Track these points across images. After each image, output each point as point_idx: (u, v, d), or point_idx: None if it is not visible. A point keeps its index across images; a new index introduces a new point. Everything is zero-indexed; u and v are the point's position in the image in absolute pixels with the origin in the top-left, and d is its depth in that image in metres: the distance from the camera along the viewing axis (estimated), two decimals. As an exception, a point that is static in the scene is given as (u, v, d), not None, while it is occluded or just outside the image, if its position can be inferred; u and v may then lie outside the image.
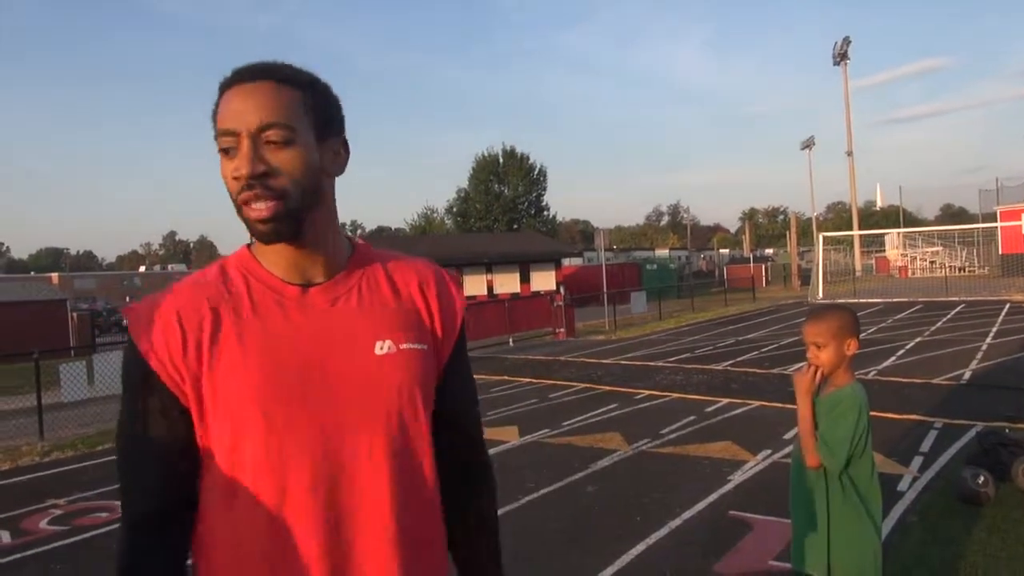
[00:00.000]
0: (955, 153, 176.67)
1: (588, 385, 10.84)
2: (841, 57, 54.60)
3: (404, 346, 1.20)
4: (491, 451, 7.01)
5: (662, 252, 69.40)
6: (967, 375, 9.97)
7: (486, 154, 52.40)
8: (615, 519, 5.06)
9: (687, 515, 5.03)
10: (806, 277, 35.86)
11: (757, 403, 8.70)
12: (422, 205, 75.00)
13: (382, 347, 1.18)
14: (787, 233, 54.02)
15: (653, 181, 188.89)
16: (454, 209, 54.34)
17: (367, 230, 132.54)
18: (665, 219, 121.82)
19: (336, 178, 1.24)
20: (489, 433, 7.85)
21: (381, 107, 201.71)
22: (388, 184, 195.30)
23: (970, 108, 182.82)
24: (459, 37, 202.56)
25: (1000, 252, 34.00)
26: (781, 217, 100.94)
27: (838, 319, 2.53)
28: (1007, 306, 20.01)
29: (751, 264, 49.04)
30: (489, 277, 34.07)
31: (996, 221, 33.51)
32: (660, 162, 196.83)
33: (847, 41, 54.21)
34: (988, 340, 13.33)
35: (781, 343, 14.70)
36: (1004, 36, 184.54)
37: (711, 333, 17.95)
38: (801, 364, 2.64)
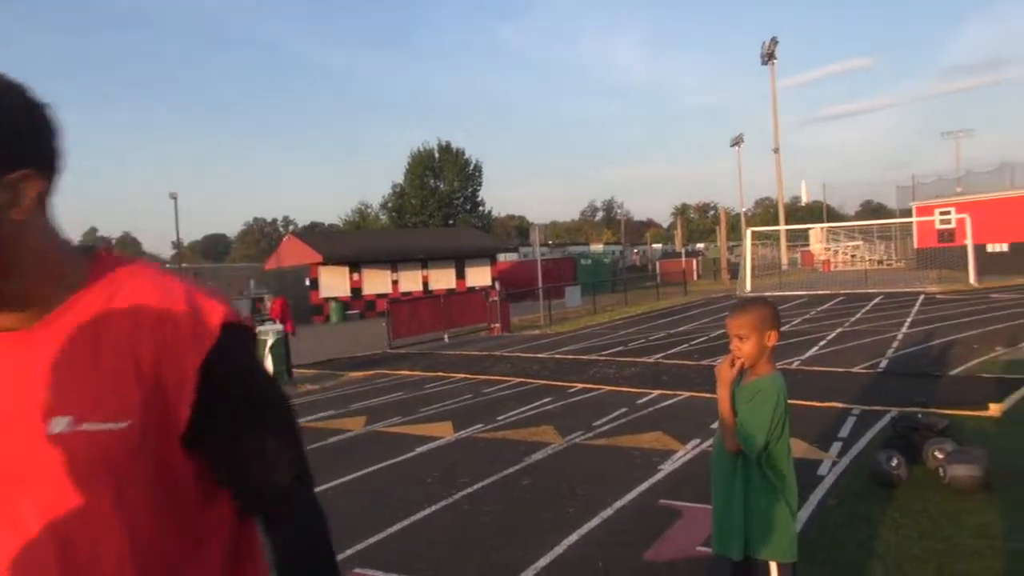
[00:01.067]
0: (876, 151, 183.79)
1: (523, 380, 10.90)
2: (769, 57, 56.19)
3: (88, 426, 0.94)
4: (425, 448, 7.05)
5: (597, 247, 70.26)
6: (884, 363, 10.41)
7: (421, 149, 52.18)
8: (549, 511, 5.11)
9: (619, 505, 5.11)
10: (735, 271, 36.84)
11: (687, 394, 8.90)
12: (356, 201, 74.10)
13: (57, 425, 0.94)
14: (717, 228, 55.38)
15: (588, 176, 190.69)
16: (389, 205, 53.94)
17: (299, 225, 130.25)
18: (600, 215, 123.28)
19: (35, 218, 0.98)
20: (423, 429, 7.85)
21: (315, 101, 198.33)
22: (322, 179, 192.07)
23: (890, 107, 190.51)
24: (395, 30, 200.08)
25: (915, 246, 35.59)
26: (712, 212, 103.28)
27: (759, 312, 2.62)
28: (921, 297, 20.98)
29: (683, 258, 50.07)
30: (424, 273, 33.95)
31: (912, 216, 35.07)
32: (595, 158, 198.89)
33: (774, 41, 55.82)
34: (903, 330, 13.95)
35: (711, 335, 15.07)
36: (925, 37, 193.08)
37: (644, 326, 18.27)
38: (723, 356, 2.73)
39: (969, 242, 26.21)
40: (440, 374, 12.16)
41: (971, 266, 25.33)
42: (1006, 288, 22.13)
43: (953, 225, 30.38)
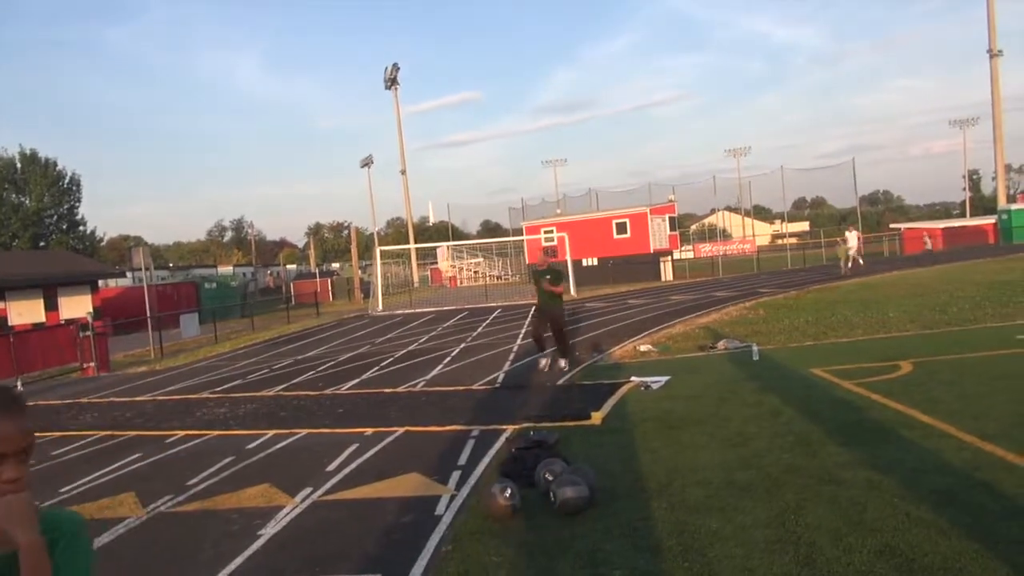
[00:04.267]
0: (490, 175, 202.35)
1: (109, 432, 9.02)
2: (392, 82, 58.12)
3: None
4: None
5: (226, 269, 65.80)
6: (501, 377, 10.72)
7: (-4, 157, 43.59)
8: (102, 622, 3.87)
9: (200, 596, 4.08)
10: (368, 290, 36.95)
11: (305, 431, 8.05)
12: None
13: None
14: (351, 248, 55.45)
15: (216, 195, 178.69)
16: (-49, 223, 44.04)
17: None
18: (229, 234, 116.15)
19: None
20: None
21: None
22: None
23: (499, 137, 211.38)
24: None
25: (527, 262, 39.26)
26: (345, 232, 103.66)
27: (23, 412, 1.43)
28: (533, 309, 22.84)
29: (317, 279, 49.04)
30: (1, 305, 28.02)
31: (523, 235, 38.62)
32: (223, 175, 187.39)
33: (396, 67, 57.94)
34: (518, 341, 14.77)
35: (339, 359, 14.40)
36: (526, 77, 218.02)
37: (270, 354, 16.94)
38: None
39: (568, 257, 29.53)
40: (-4, 436, 9.60)
41: (571, 279, 28.50)
42: (597, 297, 25.23)
43: (555, 242, 34.08)
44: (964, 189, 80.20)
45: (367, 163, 59.40)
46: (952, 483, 4.65)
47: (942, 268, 25.89)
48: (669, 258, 35.26)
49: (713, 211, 71.02)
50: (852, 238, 28.75)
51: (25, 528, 1.32)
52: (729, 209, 71.64)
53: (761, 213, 76.89)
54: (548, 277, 11.11)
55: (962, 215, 71.79)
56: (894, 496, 4.52)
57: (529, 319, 10.92)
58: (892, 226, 58.91)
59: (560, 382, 9.84)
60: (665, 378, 9.10)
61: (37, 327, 25.80)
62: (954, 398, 6.86)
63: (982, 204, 74.39)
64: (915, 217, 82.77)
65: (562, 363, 10.81)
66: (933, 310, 13.76)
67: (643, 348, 12.07)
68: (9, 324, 27.47)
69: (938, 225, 52.94)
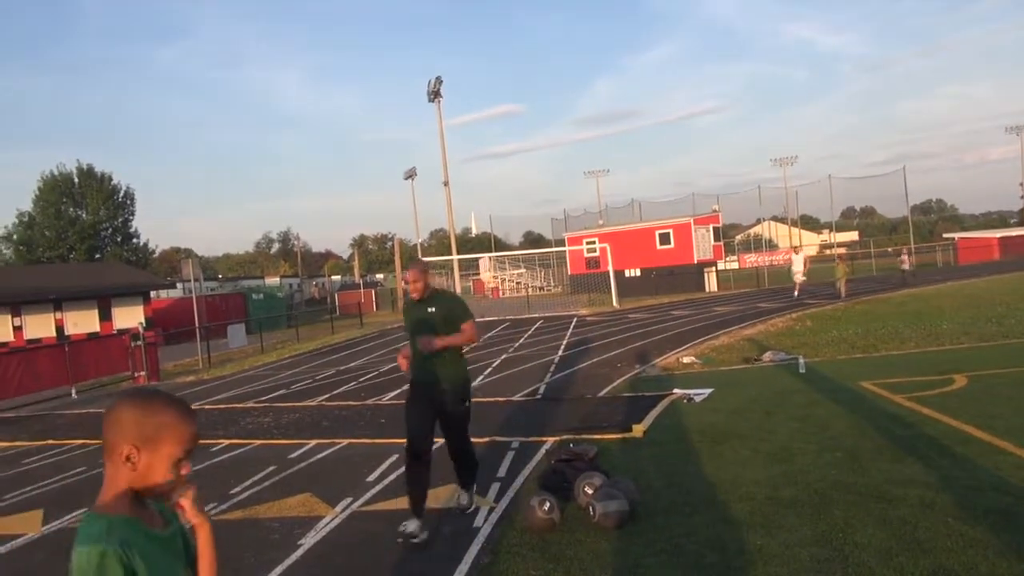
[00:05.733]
0: (532, 187, 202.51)
1: (157, 440, 9.22)
2: (435, 95, 58.62)
3: None
4: (-4, 552, 5.33)
5: (272, 280, 67.14)
6: (542, 389, 10.66)
7: (57, 173, 45.15)
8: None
9: (240, 604, 4.12)
10: (411, 301, 37.22)
11: (346, 440, 8.11)
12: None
13: None
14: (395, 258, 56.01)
15: (263, 207, 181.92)
16: (14, 237, 45.74)
17: None
18: (276, 246, 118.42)
19: None
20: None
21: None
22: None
23: (541, 149, 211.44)
24: (27, 37, 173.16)
25: (569, 272, 39.16)
26: (389, 243, 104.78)
27: (109, 421, 1.53)
28: (575, 320, 22.77)
29: (361, 290, 49.65)
30: (59, 316, 28.97)
31: (565, 246, 38.53)
32: (270, 188, 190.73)
33: (439, 80, 58.39)
34: (560, 352, 14.71)
35: (381, 370, 14.51)
36: (567, 88, 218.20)
37: (313, 364, 17.16)
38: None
39: (610, 268, 29.35)
40: (51, 442, 9.89)
41: (613, 290, 28.32)
42: (640, 308, 25.01)
43: (597, 253, 33.90)
44: (1022, 197, 77.66)
45: (411, 175, 60.00)
46: (1010, 502, 4.46)
47: (999, 279, 25.05)
48: (713, 269, 34.81)
49: (759, 221, 69.94)
50: (798, 261, 25.29)
51: (205, 513, 1.64)
52: (775, 219, 70.45)
53: (809, 223, 75.50)
54: (432, 309, 5.09)
55: (1020, 224, 69.44)
56: (948, 515, 4.34)
57: (406, 413, 5.15)
58: (946, 235, 57.28)
59: (602, 394, 9.75)
60: (709, 390, 8.95)
61: (92, 337, 26.62)
62: (1012, 413, 6.59)
63: (1040, 212, 71.91)
64: (970, 226, 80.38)
65: (464, 499, 5.37)
66: (989, 322, 13.30)
67: (686, 360, 11.90)
68: (66, 334, 28.44)
69: (995, 234, 51.32)
